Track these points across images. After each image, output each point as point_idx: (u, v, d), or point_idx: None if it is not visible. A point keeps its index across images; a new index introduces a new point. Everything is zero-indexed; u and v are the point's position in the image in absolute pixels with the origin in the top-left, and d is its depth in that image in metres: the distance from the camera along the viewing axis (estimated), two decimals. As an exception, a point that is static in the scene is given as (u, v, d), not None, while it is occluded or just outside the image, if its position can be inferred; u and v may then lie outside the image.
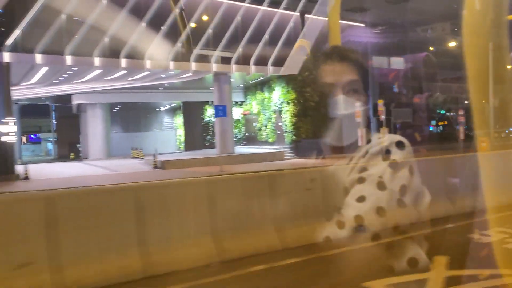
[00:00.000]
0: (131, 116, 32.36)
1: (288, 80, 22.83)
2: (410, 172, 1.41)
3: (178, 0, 19.36)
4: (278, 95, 23.95)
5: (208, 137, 29.77)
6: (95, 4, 16.96)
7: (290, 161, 20.76)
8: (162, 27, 18.79)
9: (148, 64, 18.43)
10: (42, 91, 23.32)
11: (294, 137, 22.89)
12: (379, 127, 22.99)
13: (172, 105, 32.71)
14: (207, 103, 29.61)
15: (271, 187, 5.42)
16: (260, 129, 26.76)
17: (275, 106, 24.41)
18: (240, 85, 27.68)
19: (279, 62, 22.19)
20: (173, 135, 34.70)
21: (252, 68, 21.40)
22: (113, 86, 23.77)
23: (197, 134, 29.50)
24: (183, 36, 19.44)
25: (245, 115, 29.49)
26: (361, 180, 1.41)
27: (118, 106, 30.09)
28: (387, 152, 1.45)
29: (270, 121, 25.47)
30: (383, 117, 22.37)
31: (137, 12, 18.08)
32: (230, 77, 22.10)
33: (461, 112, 25.81)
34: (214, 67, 20.35)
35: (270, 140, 25.60)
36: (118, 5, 17.68)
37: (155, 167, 18.58)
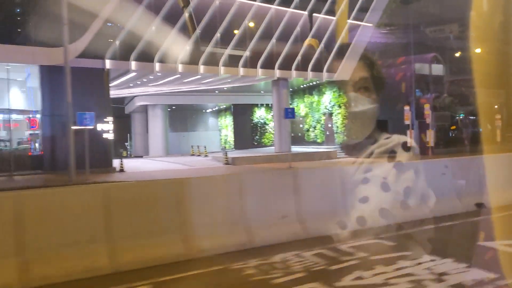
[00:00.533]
0: (179, 116, 34.44)
1: (341, 84, 24.64)
2: (416, 174, 1.38)
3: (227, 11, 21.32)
4: (329, 99, 25.76)
5: (256, 137, 31.71)
6: (174, 19, 19.02)
7: (346, 160, 22.53)
8: (233, 39, 20.77)
9: (222, 70, 20.43)
10: (114, 94, 25.49)
11: (345, 137, 24.67)
12: (424, 129, 24.73)
13: (221, 107, 34.71)
14: (256, 105, 31.55)
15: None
16: (308, 130, 28.57)
17: (326, 109, 26.22)
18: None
19: (331, 68, 24.00)
20: (217, 135, 36.69)
21: (310, 74, 23.25)
22: (177, 89, 25.86)
23: (247, 134, 31.43)
24: (251, 45, 21.37)
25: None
26: (365, 181, 1.45)
27: (171, 107, 32.19)
28: (392, 152, 1.43)
29: (319, 123, 27.28)
30: (428, 120, 24.11)
31: (214, 25, 20.12)
32: (288, 82, 23.99)
33: (498, 116, 27.30)
34: (278, 73, 22.24)
35: (318, 140, 27.40)
36: (197, 20, 19.74)
37: (227, 163, 20.50)
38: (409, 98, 26.51)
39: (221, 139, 36.45)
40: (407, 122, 23.23)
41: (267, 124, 31.88)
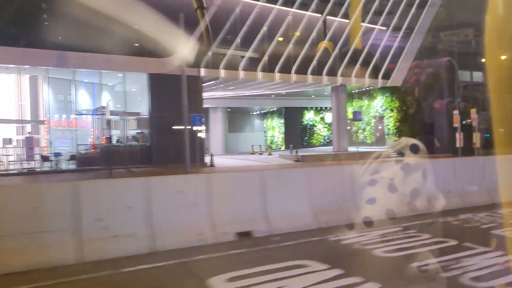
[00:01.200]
0: (231, 118, 36.99)
1: (393, 90, 26.95)
2: (423, 176, 1.87)
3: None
4: (380, 103, 28.07)
5: (306, 137, 34.13)
6: (255, 32, 21.53)
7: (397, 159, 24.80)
8: (303, 49, 23.25)
9: (294, 77, 22.92)
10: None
11: (397, 138, 26.95)
12: (472, 132, 26.86)
13: (268, 110, 37.22)
14: (305, 108, 33.97)
15: None
16: (356, 132, 30.90)
17: (376, 112, 28.54)
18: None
19: (383, 74, 26.31)
20: (262, 136, 39.17)
21: (367, 80, 25.61)
22: (240, 93, 28.39)
23: (296, 135, 33.86)
24: (318, 55, 23.82)
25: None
26: (372, 182, 2.11)
27: (227, 110, 34.79)
28: (400, 154, 2.20)
29: (368, 125, 29.60)
30: (474, 123, 26.26)
31: (287, 36, 22.62)
32: (346, 88, 26.39)
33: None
34: (340, 80, 24.65)
35: (368, 141, 29.72)
36: (273, 33, 22.24)
37: (297, 161, 22.91)
38: (450, 103, 28.62)
39: (266, 139, 38.90)
40: (456, 125, 25.42)
41: (315, 126, 34.27)
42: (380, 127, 28.59)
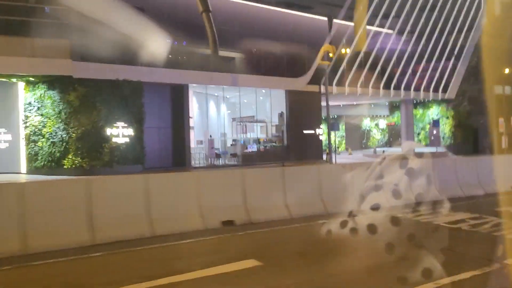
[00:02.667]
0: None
1: (448, 101, 32.92)
2: (428, 181, 2.09)
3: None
4: (436, 111, 34.01)
5: (364, 140, 39.95)
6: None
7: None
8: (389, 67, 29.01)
9: (382, 93, 28.68)
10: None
11: (452, 141, 32.89)
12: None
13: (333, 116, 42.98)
14: (363, 116, 39.80)
15: None
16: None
17: (431, 119, 34.47)
18: (386, 103, 37.80)
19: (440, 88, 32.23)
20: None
21: (431, 94, 31.52)
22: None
23: (357, 138, 39.68)
24: (399, 70, 29.66)
25: (389, 125, 39.63)
26: (377, 188, 1.57)
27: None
28: (405, 159, 1.57)
29: (423, 130, 35.51)
30: (501, 130, 32.35)
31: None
32: (413, 100, 32.28)
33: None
34: (412, 94, 30.51)
35: (423, 143, 35.61)
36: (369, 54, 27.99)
37: (384, 158, 28.64)
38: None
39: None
40: (501, 130, 31.47)
41: (371, 131, 40.12)
42: (435, 132, 34.51)
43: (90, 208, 6.96)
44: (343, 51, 27.21)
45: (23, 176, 18.59)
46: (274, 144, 25.15)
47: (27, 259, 5.98)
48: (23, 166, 19.08)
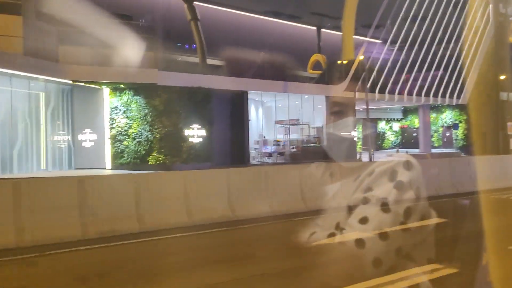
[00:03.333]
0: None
1: (461, 106, 36.11)
2: (416, 194, 1.36)
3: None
4: (450, 116, 37.18)
5: (379, 142, 43.03)
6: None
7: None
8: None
9: (415, 100, 31.69)
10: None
11: (464, 142, 36.09)
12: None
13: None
14: (379, 119, 42.87)
15: None
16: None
17: (445, 123, 37.65)
18: (400, 107, 40.95)
19: (453, 94, 35.36)
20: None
21: (447, 99, 34.66)
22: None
23: (372, 140, 42.70)
24: (421, 76, 32.70)
25: (402, 128, 42.82)
26: (365, 201, 1.36)
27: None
28: (394, 172, 1.39)
29: (436, 132, 38.68)
30: (509, 133, 35.68)
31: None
32: (430, 105, 35.39)
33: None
34: (431, 99, 33.60)
35: (435, 144, 38.77)
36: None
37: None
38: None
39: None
40: (510, 133, 34.76)
41: (386, 133, 43.23)
42: (448, 134, 37.71)
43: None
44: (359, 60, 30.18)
45: (108, 171, 21.06)
46: (314, 144, 27.94)
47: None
48: (108, 162, 21.52)
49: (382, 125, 43.45)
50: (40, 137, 20.63)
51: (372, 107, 36.36)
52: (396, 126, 43.02)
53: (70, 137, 21.73)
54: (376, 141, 43.43)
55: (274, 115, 29.38)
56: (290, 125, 27.31)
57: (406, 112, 41.84)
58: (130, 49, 19.47)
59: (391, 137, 43.46)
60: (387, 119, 42.77)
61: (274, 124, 28.86)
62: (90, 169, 20.56)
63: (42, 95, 20.55)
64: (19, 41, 17.00)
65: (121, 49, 19.35)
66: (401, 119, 42.66)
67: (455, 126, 32.23)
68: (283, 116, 29.22)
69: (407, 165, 1.43)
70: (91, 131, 21.73)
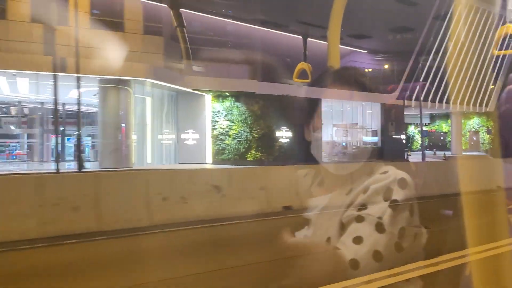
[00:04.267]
0: (344, 129, 49.36)
1: (488, 113, 40.15)
2: (410, 213, 1.35)
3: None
4: (477, 122, 41.20)
5: (409, 144, 47.02)
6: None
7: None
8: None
9: (458, 107, 35.61)
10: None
11: (491, 146, 40.13)
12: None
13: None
14: (409, 123, 46.84)
15: None
16: (449, 141, 43.93)
17: (472, 128, 41.67)
18: (429, 113, 44.93)
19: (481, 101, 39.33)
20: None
21: (477, 108, 38.64)
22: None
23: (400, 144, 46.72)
24: (452, 83, 36.64)
25: (430, 131, 46.89)
26: (359, 219, 1.34)
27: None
28: (389, 190, 1.36)
29: (464, 137, 42.68)
30: None
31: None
32: (462, 112, 39.35)
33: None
34: (465, 108, 37.55)
35: (463, 147, 42.78)
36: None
37: (445, 159, 35.52)
38: None
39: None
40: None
41: (414, 137, 47.27)
42: (475, 138, 41.78)
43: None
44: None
45: (208, 165, 24.71)
46: (371, 145, 31.80)
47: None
48: (209, 158, 25.16)
49: (411, 129, 47.46)
50: (146, 135, 24.19)
51: (407, 113, 40.36)
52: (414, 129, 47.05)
53: (175, 136, 25.35)
54: (406, 144, 47.44)
55: (331, 119, 33.18)
56: (350, 128, 31.06)
57: (433, 117, 45.84)
58: (236, 63, 23.18)
59: (419, 140, 47.45)
60: (416, 123, 46.78)
61: (332, 127, 32.62)
62: (191, 163, 24.20)
63: (149, 100, 24.10)
64: (159, 57, 20.63)
65: (231, 63, 23.05)
66: (428, 124, 46.69)
67: (488, 131, 36.15)
68: (338, 120, 33.00)
69: (402, 183, 1.39)
70: (194, 131, 25.35)
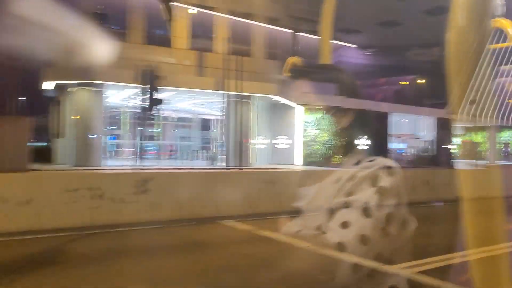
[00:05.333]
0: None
1: (520, 127, 44.85)
2: (398, 200, 1.38)
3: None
4: (506, 134, 45.93)
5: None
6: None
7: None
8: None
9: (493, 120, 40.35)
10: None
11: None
12: None
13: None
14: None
15: None
16: (481, 151, 48.71)
17: (504, 140, 46.41)
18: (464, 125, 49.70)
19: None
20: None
21: (510, 121, 43.28)
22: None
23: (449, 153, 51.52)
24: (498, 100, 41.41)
25: (464, 142, 51.69)
26: (347, 205, 1.37)
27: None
28: (376, 177, 1.42)
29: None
30: None
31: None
32: (498, 125, 44.07)
33: None
34: (499, 121, 42.23)
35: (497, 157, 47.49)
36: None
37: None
38: None
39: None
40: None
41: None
42: (506, 150, 46.55)
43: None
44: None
45: (298, 166, 29.57)
46: (426, 153, 36.69)
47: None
48: (299, 160, 30.00)
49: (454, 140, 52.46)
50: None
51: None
52: (458, 140, 51.92)
53: (269, 141, 30.28)
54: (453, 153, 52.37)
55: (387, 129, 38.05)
56: (408, 138, 35.94)
57: (467, 128, 50.75)
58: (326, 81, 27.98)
59: (453, 149, 52.27)
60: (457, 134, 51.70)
61: (389, 137, 37.51)
62: (282, 164, 29.08)
63: (253, 107, 28.98)
64: (278, 77, 25.60)
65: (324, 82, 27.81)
66: (463, 135, 51.56)
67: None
68: (395, 130, 37.91)
69: (389, 171, 1.44)
70: (287, 137, 30.25)
